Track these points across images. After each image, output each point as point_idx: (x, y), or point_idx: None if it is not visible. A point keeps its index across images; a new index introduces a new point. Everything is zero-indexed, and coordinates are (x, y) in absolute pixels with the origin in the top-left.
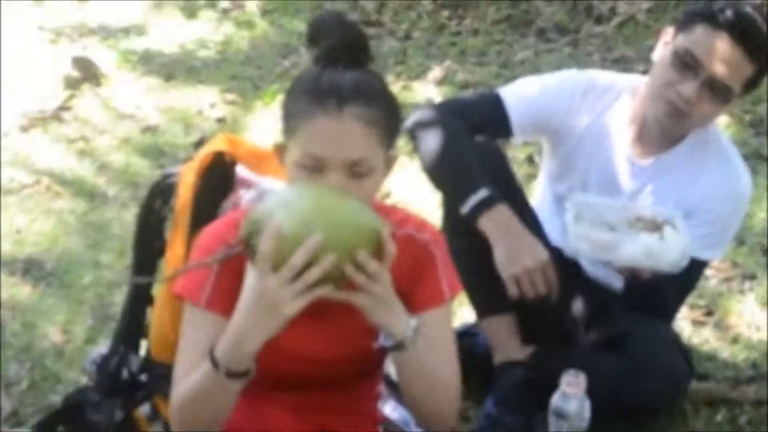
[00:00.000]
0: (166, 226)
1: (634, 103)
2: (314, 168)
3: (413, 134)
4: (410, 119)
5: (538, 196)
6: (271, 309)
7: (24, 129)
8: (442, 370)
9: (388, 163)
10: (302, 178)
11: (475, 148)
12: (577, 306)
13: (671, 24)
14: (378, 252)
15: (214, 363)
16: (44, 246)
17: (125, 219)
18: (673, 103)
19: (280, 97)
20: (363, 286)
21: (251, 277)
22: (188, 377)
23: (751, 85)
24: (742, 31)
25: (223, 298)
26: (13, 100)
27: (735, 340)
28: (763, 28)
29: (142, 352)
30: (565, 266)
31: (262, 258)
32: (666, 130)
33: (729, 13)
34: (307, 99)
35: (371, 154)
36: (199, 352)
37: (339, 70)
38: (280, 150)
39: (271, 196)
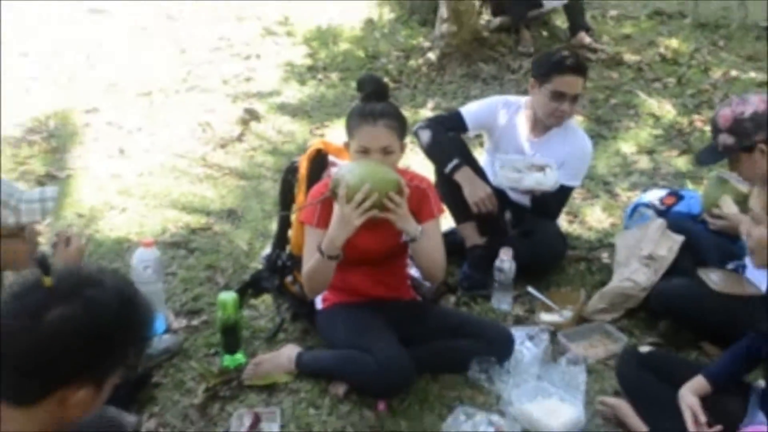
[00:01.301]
0: (294, 188)
1: (527, 110)
2: (364, 152)
3: (417, 134)
4: (415, 126)
5: (484, 161)
6: (347, 223)
7: (222, 146)
8: (435, 252)
9: (402, 149)
10: (358, 158)
11: (449, 139)
12: (507, 215)
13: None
14: (399, 192)
15: (321, 252)
16: (236, 203)
17: (275, 187)
18: (560, 117)
19: None
20: (393, 210)
21: (336, 208)
22: (309, 262)
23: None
24: (576, 67)
25: (323, 220)
26: (217, 133)
27: (589, 229)
28: (581, 60)
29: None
30: (499, 195)
31: (340, 198)
32: (551, 126)
33: (569, 62)
34: (358, 118)
35: (393, 143)
36: (314, 249)
37: (373, 103)
38: (346, 145)
39: (343, 167)
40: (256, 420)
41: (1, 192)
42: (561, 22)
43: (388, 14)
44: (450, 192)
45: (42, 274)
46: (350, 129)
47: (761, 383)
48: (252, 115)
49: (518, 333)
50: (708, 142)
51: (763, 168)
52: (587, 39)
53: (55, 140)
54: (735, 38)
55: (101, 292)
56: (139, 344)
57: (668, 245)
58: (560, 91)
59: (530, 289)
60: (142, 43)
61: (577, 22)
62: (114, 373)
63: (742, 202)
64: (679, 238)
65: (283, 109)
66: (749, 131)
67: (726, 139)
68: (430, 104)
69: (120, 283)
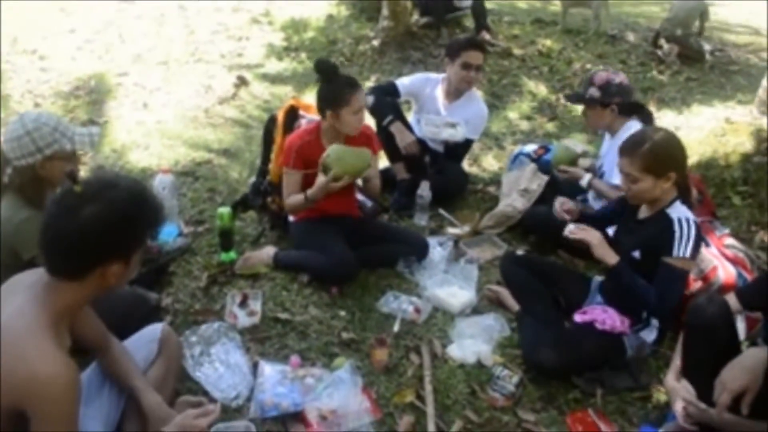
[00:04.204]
0: (273, 132)
1: (442, 84)
2: (359, 113)
3: None
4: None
5: (411, 120)
6: (325, 188)
7: (220, 103)
8: (375, 180)
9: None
10: (353, 122)
11: (387, 101)
12: (426, 158)
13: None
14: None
15: (307, 199)
16: (231, 144)
17: (259, 132)
18: (470, 82)
19: (314, 87)
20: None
21: (321, 177)
22: (291, 198)
23: (483, 63)
24: (476, 44)
25: (297, 164)
26: (217, 93)
27: (484, 170)
28: (479, 40)
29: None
30: (422, 143)
31: (329, 176)
32: (461, 92)
33: (471, 41)
34: (350, 87)
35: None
36: (292, 185)
37: (345, 75)
38: (320, 110)
39: (330, 149)
40: (245, 298)
41: (60, 126)
42: (469, 23)
43: (344, 11)
44: (386, 139)
45: (72, 183)
46: (343, 96)
47: (599, 278)
48: (242, 81)
49: (432, 240)
50: (577, 89)
51: (608, 121)
52: (487, 36)
53: (95, 95)
54: (590, 41)
55: (119, 192)
56: (152, 228)
57: (537, 182)
58: (468, 62)
59: (441, 210)
60: (160, 26)
61: (480, 23)
62: (137, 251)
63: (575, 160)
64: (545, 178)
65: (265, 77)
66: (612, 93)
67: (594, 92)
68: (373, 78)
69: (132, 184)
